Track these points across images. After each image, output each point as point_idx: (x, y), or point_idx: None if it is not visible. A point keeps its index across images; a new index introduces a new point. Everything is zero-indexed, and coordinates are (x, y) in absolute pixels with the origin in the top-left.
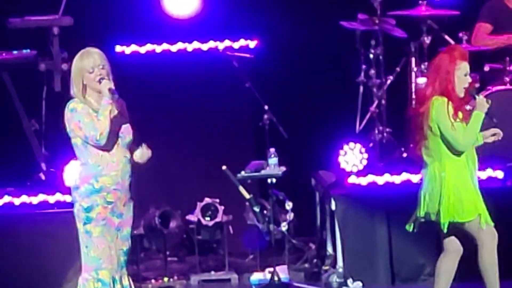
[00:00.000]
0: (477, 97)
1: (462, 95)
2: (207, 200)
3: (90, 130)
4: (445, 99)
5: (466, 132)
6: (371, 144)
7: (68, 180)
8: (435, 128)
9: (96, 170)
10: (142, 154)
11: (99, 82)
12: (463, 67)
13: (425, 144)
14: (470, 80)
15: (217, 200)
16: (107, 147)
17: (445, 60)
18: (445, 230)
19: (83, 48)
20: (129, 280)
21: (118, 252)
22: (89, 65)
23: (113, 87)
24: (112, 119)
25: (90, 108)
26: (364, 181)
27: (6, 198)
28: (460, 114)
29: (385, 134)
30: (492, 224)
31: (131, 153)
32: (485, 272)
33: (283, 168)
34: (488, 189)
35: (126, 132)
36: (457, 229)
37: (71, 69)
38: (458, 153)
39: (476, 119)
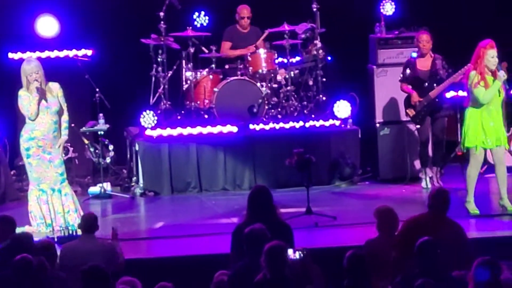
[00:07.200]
0: (499, 71)
1: (493, 68)
2: None
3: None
4: (474, 72)
5: (485, 93)
6: (159, 111)
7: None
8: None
9: (32, 126)
10: None
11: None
12: (490, 53)
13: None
14: (496, 60)
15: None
16: (35, 118)
17: (478, 50)
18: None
19: None
20: (70, 189)
21: (55, 174)
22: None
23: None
24: (39, 101)
25: (30, 95)
26: (154, 133)
27: None
28: (482, 82)
29: (167, 106)
30: (480, 152)
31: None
32: (468, 182)
33: (108, 125)
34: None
35: (53, 104)
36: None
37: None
38: (479, 105)
39: (494, 86)
